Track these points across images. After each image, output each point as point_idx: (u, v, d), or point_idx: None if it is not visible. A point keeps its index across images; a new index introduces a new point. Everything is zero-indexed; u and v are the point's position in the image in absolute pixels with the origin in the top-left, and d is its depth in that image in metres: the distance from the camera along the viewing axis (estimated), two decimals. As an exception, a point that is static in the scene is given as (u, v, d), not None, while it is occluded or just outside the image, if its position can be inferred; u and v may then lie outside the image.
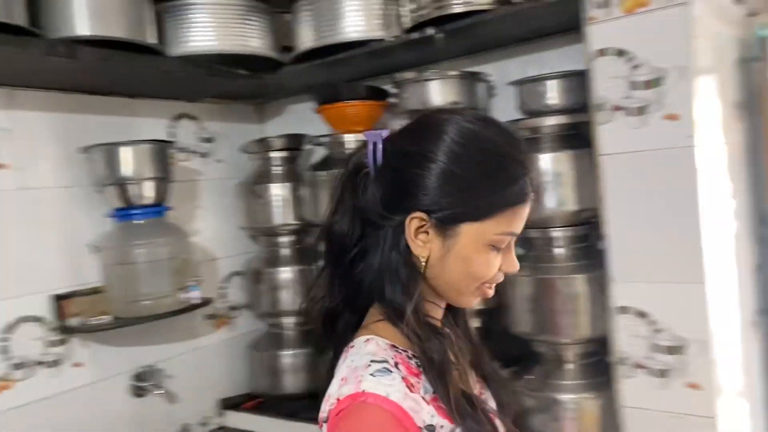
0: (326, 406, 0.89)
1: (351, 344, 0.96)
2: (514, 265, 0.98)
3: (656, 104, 1.59)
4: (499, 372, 1.14)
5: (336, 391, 0.88)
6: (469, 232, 0.92)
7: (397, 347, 0.94)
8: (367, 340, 0.94)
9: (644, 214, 1.64)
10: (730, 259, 1.86)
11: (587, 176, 1.77)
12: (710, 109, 1.78)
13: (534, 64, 2.18)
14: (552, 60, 2.15)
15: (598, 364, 1.87)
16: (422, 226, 0.93)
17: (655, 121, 1.60)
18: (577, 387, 1.86)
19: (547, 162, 1.83)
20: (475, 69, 2.23)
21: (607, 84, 1.65)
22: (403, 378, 0.88)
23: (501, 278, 0.99)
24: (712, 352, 1.58)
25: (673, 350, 1.62)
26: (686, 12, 1.54)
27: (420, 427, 0.86)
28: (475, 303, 1.01)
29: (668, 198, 1.60)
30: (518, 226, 0.95)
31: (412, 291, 0.93)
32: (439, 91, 2.04)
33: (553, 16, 1.87)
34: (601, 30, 1.65)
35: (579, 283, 1.83)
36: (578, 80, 1.81)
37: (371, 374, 0.87)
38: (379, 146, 0.95)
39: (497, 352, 2.09)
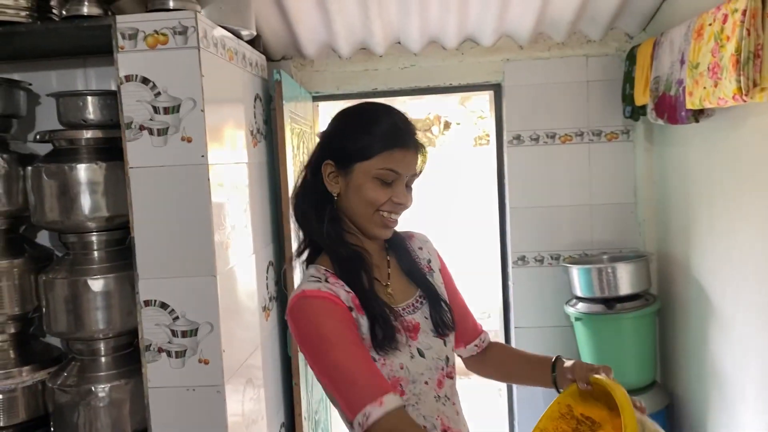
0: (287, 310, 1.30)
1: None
2: (402, 197, 1.33)
3: (174, 127, 1.90)
4: (436, 295, 1.43)
5: (290, 299, 1.30)
6: (360, 169, 1.30)
7: (330, 271, 1.32)
8: (314, 267, 1.35)
9: (165, 220, 1.93)
10: (248, 256, 2.28)
11: (120, 186, 1.98)
12: (228, 134, 2.16)
13: (79, 78, 2.31)
14: (94, 76, 2.31)
15: (132, 354, 2.08)
16: (332, 171, 1.33)
17: (174, 142, 1.90)
18: (110, 377, 2.04)
19: (83, 172, 1.98)
20: (16, 76, 2.25)
21: (134, 106, 1.89)
22: (329, 284, 1.28)
23: (395, 209, 1.33)
24: (218, 333, 1.94)
25: (187, 333, 1.94)
26: (196, 55, 1.88)
27: (346, 304, 1.26)
28: (382, 233, 1.35)
29: (185, 207, 1.92)
30: (397, 166, 1.30)
31: (327, 217, 1.34)
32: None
33: (90, 39, 2.03)
34: (128, 58, 1.89)
35: (111, 282, 2.01)
36: (113, 99, 2.01)
37: (308, 282, 1.29)
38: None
39: (35, 356, 2.17)
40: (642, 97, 2.79)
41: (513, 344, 3.42)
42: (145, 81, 1.88)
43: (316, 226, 1.36)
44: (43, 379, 2.10)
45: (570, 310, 3.08)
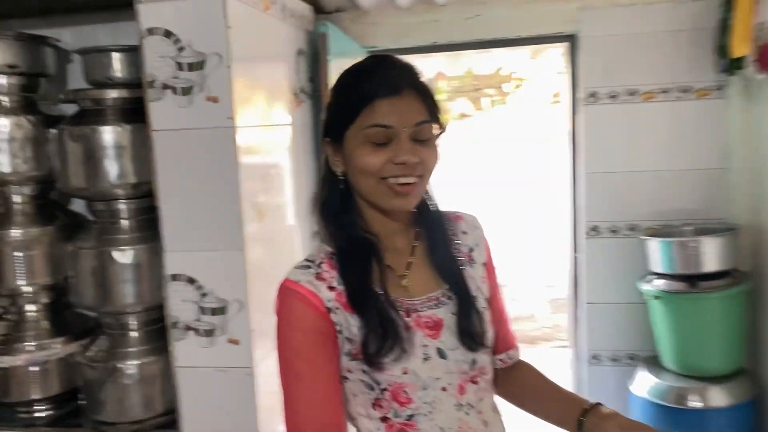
0: None
1: None
2: (404, 154, 1.07)
3: (199, 86, 1.72)
4: (468, 299, 1.19)
5: None
6: (350, 136, 1.09)
7: (332, 255, 1.13)
8: (317, 249, 1.17)
9: (192, 188, 1.77)
10: (288, 226, 2.11)
11: (147, 150, 1.83)
12: (263, 94, 1.97)
13: (121, 32, 2.14)
14: (127, 30, 2.15)
15: (162, 330, 1.96)
16: (332, 150, 1.14)
17: (199, 102, 1.73)
18: (140, 353, 1.93)
19: (106, 135, 1.84)
20: (49, 32, 2.11)
21: (157, 63, 1.73)
22: (317, 273, 1.10)
23: (402, 171, 1.08)
24: (248, 311, 1.79)
25: (216, 311, 1.80)
26: (220, 4, 1.68)
27: (325, 305, 1.08)
28: (396, 204, 1.11)
29: (212, 173, 1.75)
30: (384, 118, 1.08)
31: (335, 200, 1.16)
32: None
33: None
34: (151, 9, 1.71)
35: (140, 253, 1.89)
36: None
37: (296, 267, 1.13)
38: None
39: (68, 326, 2.09)
40: (740, 48, 2.41)
41: (584, 322, 3.16)
42: (168, 34, 1.71)
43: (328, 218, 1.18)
44: (76, 351, 2.02)
45: (647, 287, 2.79)
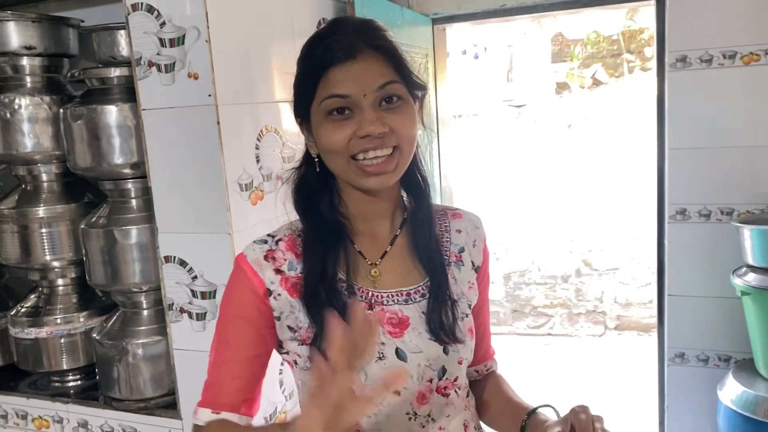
0: None
1: None
2: (366, 126, 0.97)
3: (181, 62, 1.65)
4: (443, 290, 1.09)
5: None
6: (313, 113, 1.00)
7: (296, 234, 1.08)
8: (289, 223, 1.11)
9: (179, 168, 1.72)
10: (290, 209, 2.01)
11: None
12: (259, 68, 1.87)
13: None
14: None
15: (170, 310, 1.95)
16: (305, 130, 1.05)
17: (181, 79, 1.66)
18: (148, 332, 1.94)
19: (107, 114, 1.83)
20: (80, 14, 2.15)
21: (141, 39, 1.68)
22: (269, 251, 1.05)
23: (369, 144, 0.98)
24: (237, 296, 1.72)
25: (206, 295, 1.75)
26: (193, -27, 1.59)
27: (266, 286, 1.03)
28: (371, 183, 1.01)
29: (196, 153, 1.69)
30: (340, 87, 0.97)
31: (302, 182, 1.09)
32: (14, 33, 1.94)
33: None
34: (134, -16, 1.66)
35: (145, 233, 1.88)
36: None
37: (254, 241, 1.08)
38: None
39: (93, 301, 2.15)
40: None
41: (666, 315, 2.81)
42: (150, 9, 1.65)
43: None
44: (95, 326, 2.07)
45: (737, 281, 2.41)
